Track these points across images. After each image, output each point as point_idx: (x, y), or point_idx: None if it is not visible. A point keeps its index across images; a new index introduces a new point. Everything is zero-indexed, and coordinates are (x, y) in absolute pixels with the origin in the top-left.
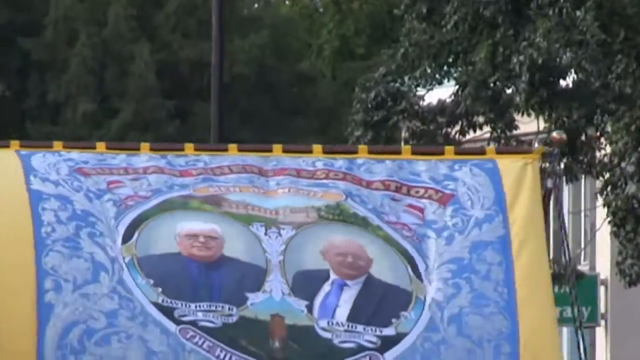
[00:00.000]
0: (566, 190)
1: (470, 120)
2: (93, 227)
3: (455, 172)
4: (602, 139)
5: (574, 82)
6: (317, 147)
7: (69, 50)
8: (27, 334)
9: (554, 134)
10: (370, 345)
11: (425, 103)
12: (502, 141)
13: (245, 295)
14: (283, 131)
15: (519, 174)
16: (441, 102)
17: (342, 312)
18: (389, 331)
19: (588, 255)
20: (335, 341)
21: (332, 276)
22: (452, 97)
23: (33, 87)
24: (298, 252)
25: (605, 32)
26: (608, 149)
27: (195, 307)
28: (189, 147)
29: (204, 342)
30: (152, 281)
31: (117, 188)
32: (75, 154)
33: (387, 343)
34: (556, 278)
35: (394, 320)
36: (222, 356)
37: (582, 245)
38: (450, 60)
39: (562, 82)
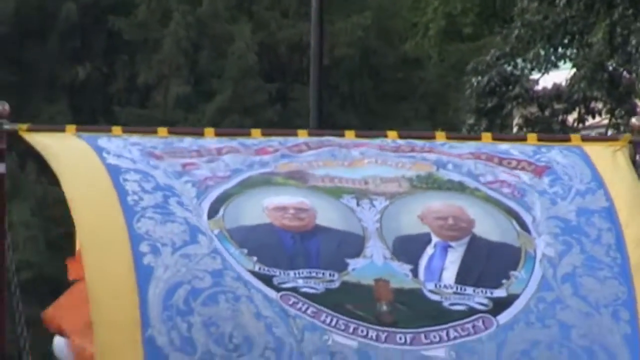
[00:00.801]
0: None
1: (588, 106)
2: (180, 197)
3: (544, 151)
4: None
5: None
6: (392, 133)
7: (161, 29)
8: (128, 299)
9: (634, 120)
10: (481, 308)
11: (539, 87)
12: (622, 129)
13: (346, 262)
14: (387, 117)
15: (610, 158)
16: (556, 87)
17: (449, 275)
18: (500, 293)
19: None
20: (445, 304)
21: (435, 239)
22: (568, 81)
23: (122, 68)
24: (395, 219)
25: None
26: None
27: (295, 274)
28: (255, 132)
29: (307, 308)
30: (245, 250)
31: (193, 170)
32: (138, 138)
33: (499, 305)
34: None
35: (504, 281)
36: (327, 321)
37: None
38: (566, 41)
39: None
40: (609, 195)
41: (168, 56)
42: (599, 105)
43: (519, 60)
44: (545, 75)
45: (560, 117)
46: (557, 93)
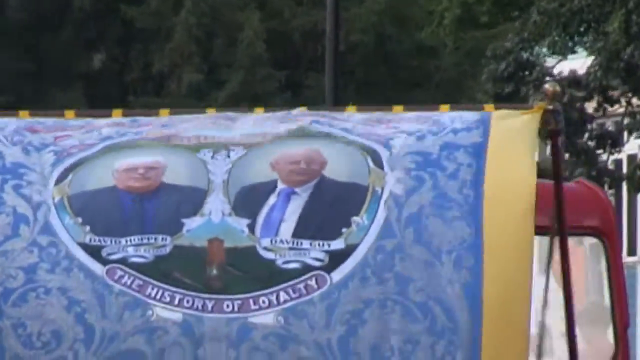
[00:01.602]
0: None
1: (606, 94)
2: (21, 179)
3: (443, 115)
4: None
5: None
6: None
7: (174, 17)
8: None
9: (547, 86)
10: (316, 264)
11: (556, 72)
12: (638, 117)
13: (181, 222)
14: (402, 104)
15: (512, 118)
16: (573, 73)
17: (288, 227)
18: (337, 244)
19: None
20: (279, 262)
21: (280, 186)
22: (586, 69)
23: (136, 57)
24: (245, 168)
25: None
26: None
27: (126, 241)
28: (164, 112)
29: (133, 282)
30: (80, 219)
31: (63, 140)
32: (41, 119)
33: (335, 259)
34: None
35: (344, 230)
36: (153, 294)
37: None
38: (582, 29)
39: None
40: (488, 132)
41: (180, 44)
42: (617, 93)
43: (536, 47)
44: (562, 61)
45: (578, 105)
46: (574, 79)
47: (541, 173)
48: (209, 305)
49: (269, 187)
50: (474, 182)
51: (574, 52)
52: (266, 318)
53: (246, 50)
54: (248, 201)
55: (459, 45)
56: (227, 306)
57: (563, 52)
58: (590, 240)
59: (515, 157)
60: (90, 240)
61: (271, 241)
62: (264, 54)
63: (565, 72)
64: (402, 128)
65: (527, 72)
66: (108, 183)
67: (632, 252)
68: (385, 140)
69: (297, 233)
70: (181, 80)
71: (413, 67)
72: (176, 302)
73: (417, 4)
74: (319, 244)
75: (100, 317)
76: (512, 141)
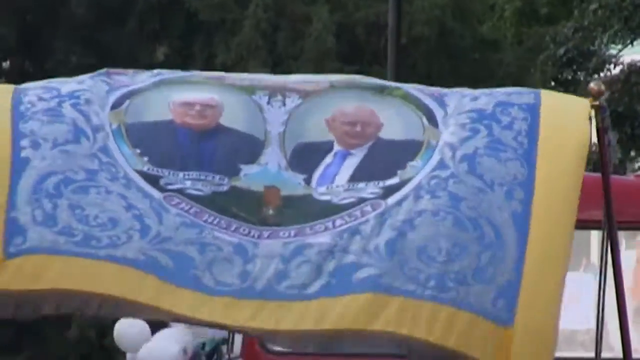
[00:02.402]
0: None
1: None
2: (78, 99)
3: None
4: None
5: None
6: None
7: (239, 10)
8: None
9: (592, 85)
10: (371, 196)
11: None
12: None
13: (239, 167)
14: None
15: (566, 99)
16: (635, 63)
17: (343, 177)
18: (392, 181)
19: None
20: (335, 200)
21: (336, 147)
22: None
23: (199, 50)
24: (301, 121)
25: None
26: None
27: (184, 175)
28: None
29: (190, 208)
30: (138, 150)
31: (115, 75)
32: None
33: (390, 190)
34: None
35: (399, 171)
36: (210, 220)
37: None
38: None
39: None
40: (540, 97)
41: (247, 38)
42: None
43: (596, 40)
44: (623, 52)
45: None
46: (635, 70)
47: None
48: (265, 233)
49: (325, 147)
50: (529, 132)
51: (632, 44)
52: (321, 238)
53: (315, 43)
54: (304, 158)
55: (520, 38)
56: (284, 234)
57: (624, 42)
58: None
59: (569, 114)
60: (148, 169)
61: (327, 187)
62: (332, 47)
63: (627, 61)
64: (455, 91)
65: (586, 61)
66: (165, 116)
67: None
68: (440, 100)
69: (353, 178)
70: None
71: (475, 61)
72: (232, 228)
73: None
74: (374, 183)
75: (157, 223)
76: (565, 103)
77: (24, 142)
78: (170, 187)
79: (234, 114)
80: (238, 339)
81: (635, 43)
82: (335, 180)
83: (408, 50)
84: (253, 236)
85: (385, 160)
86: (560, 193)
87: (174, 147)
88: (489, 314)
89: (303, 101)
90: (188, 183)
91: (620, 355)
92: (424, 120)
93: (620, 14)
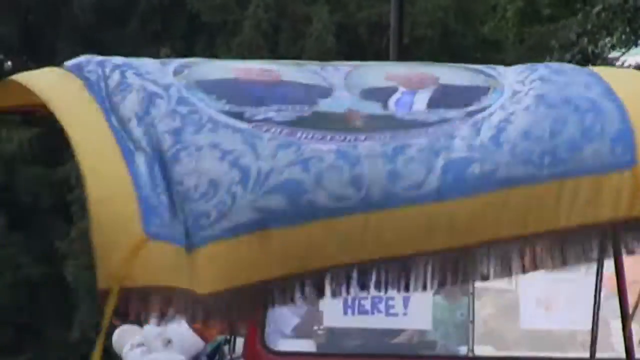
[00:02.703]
0: None
1: None
2: (138, 69)
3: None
4: None
5: None
6: None
7: (240, 11)
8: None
9: None
10: (457, 116)
11: (619, 63)
12: None
13: (316, 99)
14: None
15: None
16: (639, 65)
17: (420, 104)
18: (472, 107)
19: None
20: (420, 118)
21: (401, 89)
22: None
23: (201, 50)
24: (360, 76)
25: None
26: None
27: (265, 109)
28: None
29: (282, 131)
30: (214, 95)
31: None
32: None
33: (474, 113)
34: None
35: (475, 102)
36: (304, 136)
37: None
38: None
39: None
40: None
41: (248, 38)
42: None
43: (600, 40)
44: (626, 54)
45: None
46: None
47: None
48: (362, 137)
49: (390, 90)
50: (596, 82)
51: (637, 46)
52: (419, 139)
53: (315, 43)
54: (374, 94)
55: (522, 38)
56: (379, 137)
57: (628, 45)
58: None
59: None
60: (230, 108)
61: (407, 112)
62: (332, 47)
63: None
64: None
65: (590, 64)
66: (229, 75)
67: None
68: (494, 70)
69: (431, 106)
70: None
71: (477, 61)
72: (328, 138)
73: None
74: (454, 110)
75: (254, 159)
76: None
77: (114, 121)
78: (255, 117)
79: (293, 75)
80: (239, 339)
81: (639, 45)
82: (413, 108)
83: (410, 51)
84: (349, 140)
85: (456, 97)
86: None
87: (247, 93)
88: (612, 166)
89: (354, 69)
90: (272, 113)
91: (619, 355)
92: (482, 76)
93: (623, 15)
